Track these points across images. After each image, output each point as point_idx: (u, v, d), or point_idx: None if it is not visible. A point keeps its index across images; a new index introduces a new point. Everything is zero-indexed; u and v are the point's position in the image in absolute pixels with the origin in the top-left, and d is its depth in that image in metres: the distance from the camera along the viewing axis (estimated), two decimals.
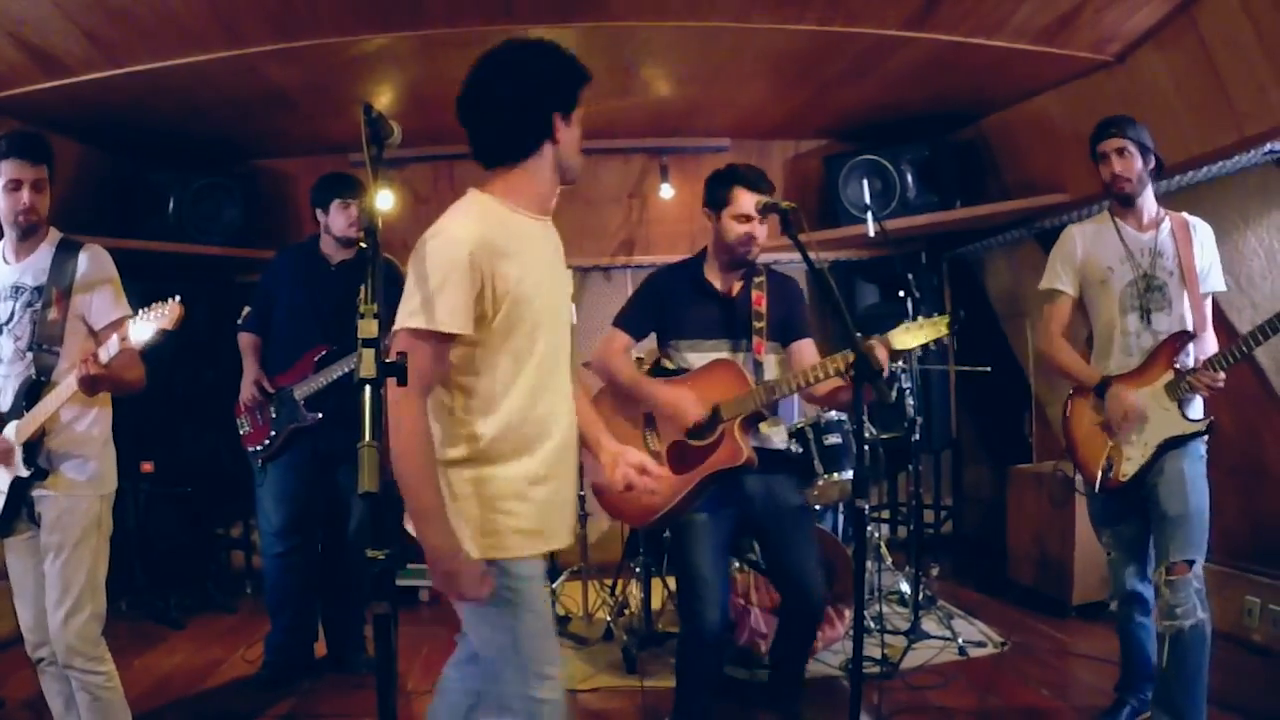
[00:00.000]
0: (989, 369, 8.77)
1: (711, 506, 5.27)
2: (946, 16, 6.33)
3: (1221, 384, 5.13)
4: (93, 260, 4.84)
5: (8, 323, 4.72)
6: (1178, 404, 5.26)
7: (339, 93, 7.48)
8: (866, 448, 4.69)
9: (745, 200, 5.26)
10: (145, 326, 4.35)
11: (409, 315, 3.35)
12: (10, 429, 4.59)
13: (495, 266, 3.42)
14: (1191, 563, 5.07)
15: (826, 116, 9.02)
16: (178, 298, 4.38)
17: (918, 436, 7.76)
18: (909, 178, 8.90)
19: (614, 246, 10.11)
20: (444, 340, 3.39)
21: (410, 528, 3.49)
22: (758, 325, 5.36)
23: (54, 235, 4.88)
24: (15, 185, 4.63)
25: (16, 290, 4.75)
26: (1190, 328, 5.34)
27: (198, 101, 7.43)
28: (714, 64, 7.38)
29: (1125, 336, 5.47)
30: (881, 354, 4.60)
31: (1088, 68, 7.04)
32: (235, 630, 8.06)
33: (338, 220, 6.61)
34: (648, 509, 5.18)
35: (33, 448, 4.58)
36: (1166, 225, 5.45)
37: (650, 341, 5.67)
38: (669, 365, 5.54)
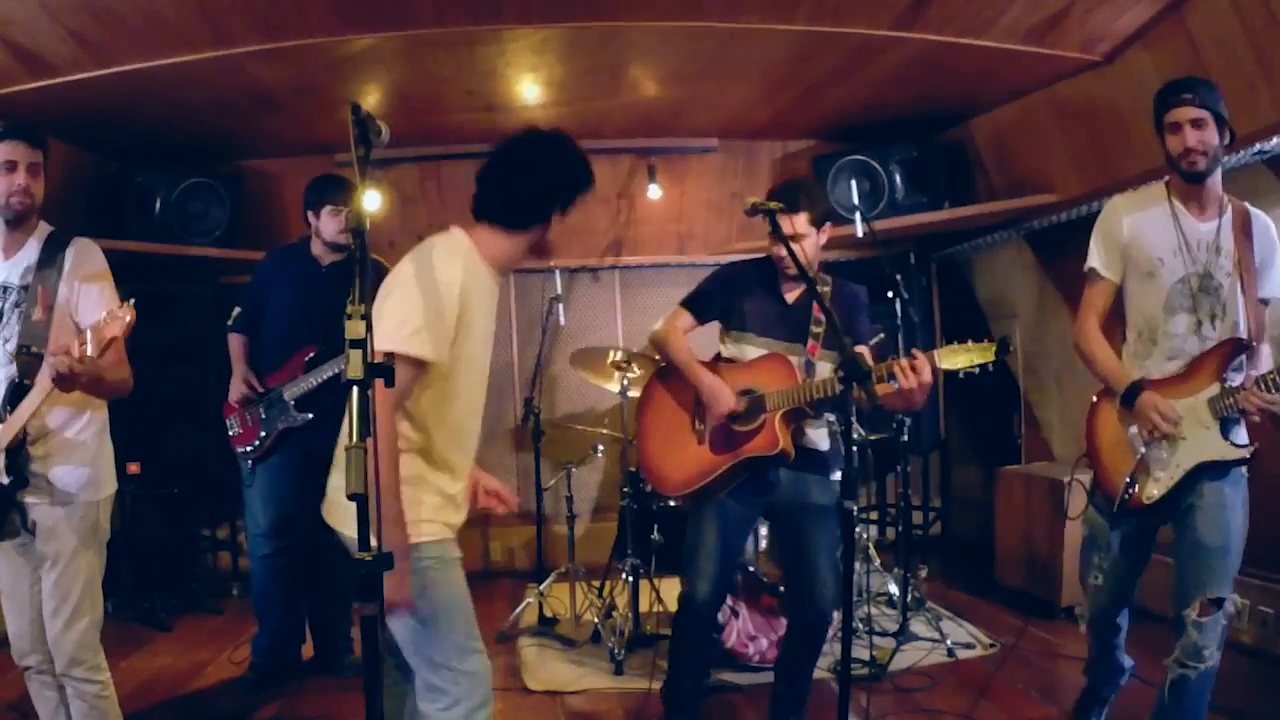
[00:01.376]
0: (977, 370, 8.75)
1: (737, 495, 5.44)
2: (935, 16, 6.32)
3: (1277, 408, 4.46)
4: (80, 254, 4.71)
5: None
6: (1220, 423, 4.64)
7: (326, 93, 7.47)
8: (855, 449, 4.66)
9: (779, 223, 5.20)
10: (98, 337, 4.24)
11: (401, 340, 3.66)
12: None
13: (466, 305, 3.85)
14: (1221, 601, 4.56)
15: (814, 117, 9.02)
16: (131, 301, 4.29)
17: (906, 438, 7.76)
18: (897, 178, 8.89)
19: (602, 247, 10.11)
20: (424, 365, 3.75)
21: (328, 518, 4.02)
22: (815, 330, 5.41)
23: (43, 229, 4.75)
24: (11, 166, 4.51)
25: (4, 290, 4.62)
26: (1245, 336, 4.70)
27: (184, 102, 7.40)
28: (702, 64, 7.37)
29: (1169, 339, 4.81)
30: (925, 372, 4.59)
31: (1077, 68, 7.03)
32: (222, 632, 8.04)
33: (328, 225, 6.60)
34: (685, 481, 5.46)
35: (14, 453, 4.44)
36: (1229, 215, 4.75)
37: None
38: (724, 354, 5.66)
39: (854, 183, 8.83)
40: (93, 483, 4.68)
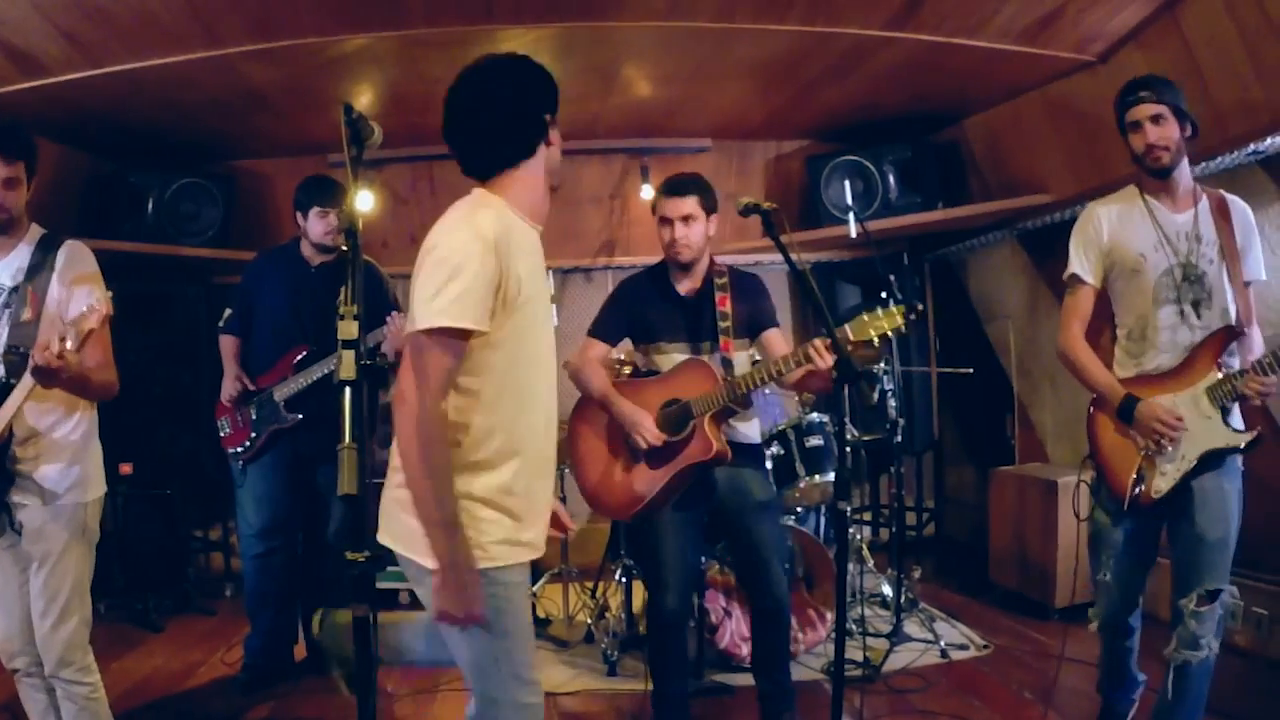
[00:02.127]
0: (971, 370, 8.75)
1: (681, 500, 5.51)
2: (929, 16, 6.33)
3: (1275, 389, 4.55)
4: (71, 256, 4.64)
5: None
6: (1221, 411, 4.72)
7: (318, 93, 7.46)
8: (848, 449, 4.67)
9: (663, 205, 5.60)
10: (77, 330, 4.22)
11: (435, 314, 3.21)
12: None
13: (509, 264, 3.35)
14: (1219, 592, 4.67)
15: (808, 117, 9.02)
16: (109, 295, 4.36)
17: (899, 438, 7.75)
18: (891, 178, 8.90)
19: (595, 248, 10.09)
20: (465, 337, 3.28)
21: (386, 540, 3.47)
22: (724, 325, 5.53)
23: (35, 232, 4.69)
24: None
25: None
26: (1235, 322, 4.76)
27: (177, 102, 7.40)
28: (695, 64, 7.37)
29: (1160, 332, 4.85)
30: (822, 354, 4.68)
31: (1070, 68, 7.04)
32: (214, 633, 8.02)
33: (315, 227, 6.59)
34: (630, 502, 5.48)
35: (0, 451, 4.44)
36: (1204, 204, 4.85)
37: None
38: (642, 368, 5.82)
39: (848, 183, 8.85)
40: (80, 484, 4.64)
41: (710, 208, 5.59)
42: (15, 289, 4.55)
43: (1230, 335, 4.75)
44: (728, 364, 5.47)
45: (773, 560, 5.59)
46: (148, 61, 6.45)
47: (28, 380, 4.22)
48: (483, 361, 3.39)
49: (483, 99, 3.53)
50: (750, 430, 5.74)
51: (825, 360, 4.61)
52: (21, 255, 4.61)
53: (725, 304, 5.56)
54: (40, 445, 4.54)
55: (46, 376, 4.12)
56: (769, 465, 6.87)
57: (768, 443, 7.01)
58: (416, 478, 3.27)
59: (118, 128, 7.90)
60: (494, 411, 3.45)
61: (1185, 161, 4.84)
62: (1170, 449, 4.75)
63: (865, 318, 4.66)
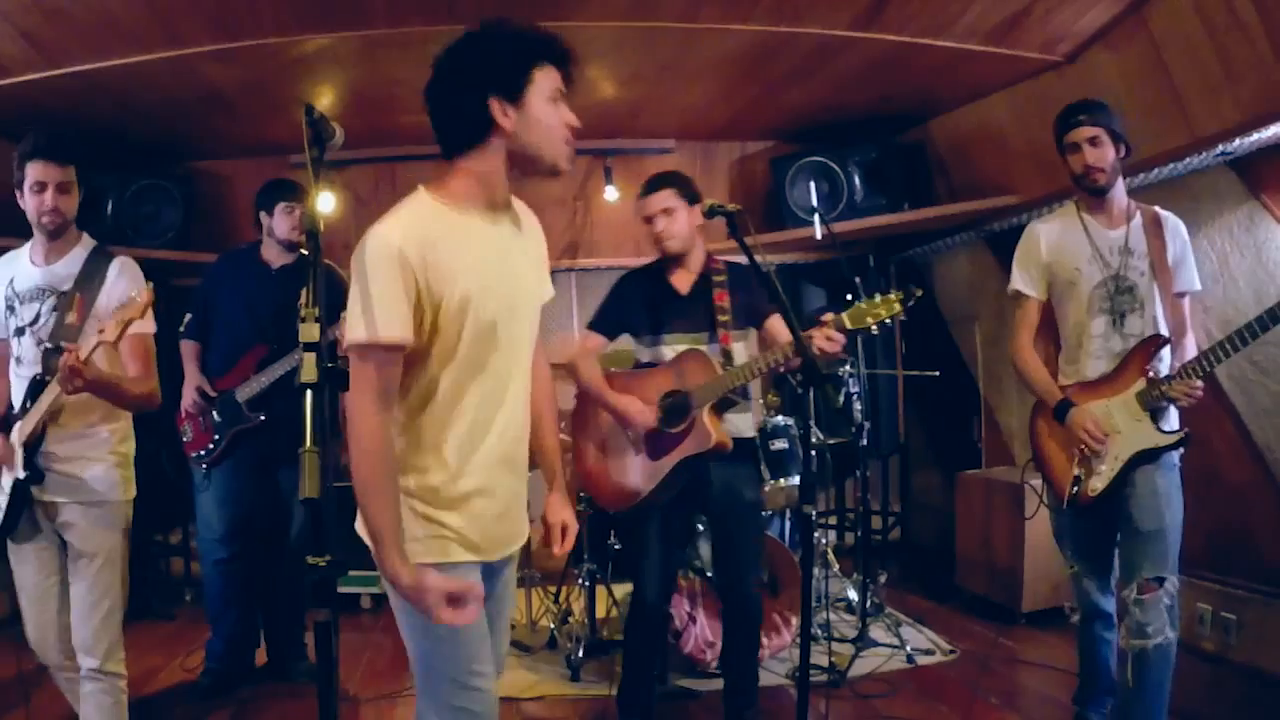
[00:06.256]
0: (937, 373, 8.74)
1: (674, 501, 5.65)
2: (895, 16, 6.29)
3: (1200, 393, 4.89)
4: (122, 271, 4.94)
5: (33, 324, 4.77)
6: (1150, 414, 5.03)
7: (279, 93, 7.41)
8: (813, 453, 4.65)
9: (641, 207, 5.67)
10: (117, 319, 4.43)
11: (363, 328, 3.10)
12: (15, 429, 4.61)
13: (427, 263, 3.18)
14: (1162, 580, 4.90)
15: (773, 117, 8.99)
16: (150, 285, 4.63)
17: (865, 442, 7.73)
18: (856, 180, 8.87)
19: (558, 250, 10.02)
20: (390, 350, 3.14)
21: (362, 532, 3.28)
22: (722, 319, 5.58)
23: (87, 242, 4.98)
24: (40, 187, 4.65)
25: (43, 293, 4.78)
26: (1164, 331, 5.11)
27: (136, 102, 7.33)
28: (659, 64, 7.34)
29: (1094, 340, 5.22)
30: (833, 336, 4.69)
31: (1037, 68, 7.02)
32: (174, 638, 7.95)
33: (282, 224, 6.59)
34: (629, 495, 5.65)
35: (33, 448, 4.59)
36: (1138, 220, 5.21)
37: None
38: (641, 360, 5.87)
39: (813, 184, 8.82)
40: (123, 483, 4.87)
41: (690, 197, 5.61)
42: (64, 293, 4.77)
43: (1158, 343, 5.08)
44: (727, 355, 5.52)
45: (748, 557, 5.69)
46: (107, 62, 6.39)
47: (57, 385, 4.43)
48: (421, 364, 3.29)
49: (432, 85, 3.36)
50: (743, 424, 5.74)
51: (833, 345, 4.69)
52: (74, 262, 4.89)
53: (723, 299, 5.62)
54: (72, 445, 4.71)
55: (69, 381, 4.30)
56: None
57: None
58: (357, 487, 3.14)
59: (77, 129, 7.77)
60: (435, 413, 3.34)
61: (1120, 181, 5.22)
62: (1102, 452, 5.07)
63: (864, 305, 4.71)
